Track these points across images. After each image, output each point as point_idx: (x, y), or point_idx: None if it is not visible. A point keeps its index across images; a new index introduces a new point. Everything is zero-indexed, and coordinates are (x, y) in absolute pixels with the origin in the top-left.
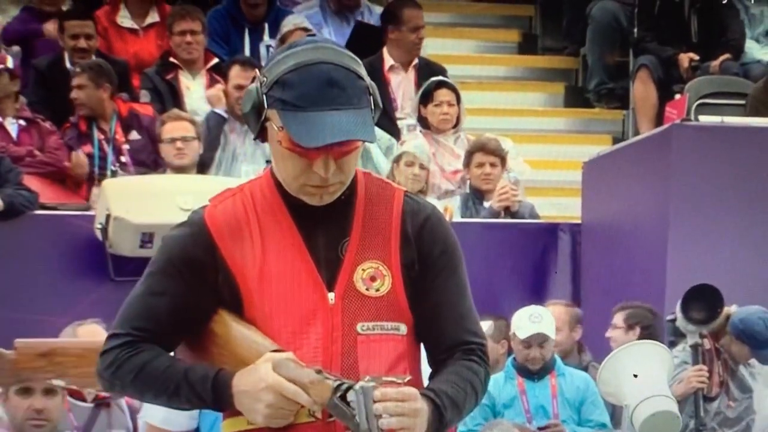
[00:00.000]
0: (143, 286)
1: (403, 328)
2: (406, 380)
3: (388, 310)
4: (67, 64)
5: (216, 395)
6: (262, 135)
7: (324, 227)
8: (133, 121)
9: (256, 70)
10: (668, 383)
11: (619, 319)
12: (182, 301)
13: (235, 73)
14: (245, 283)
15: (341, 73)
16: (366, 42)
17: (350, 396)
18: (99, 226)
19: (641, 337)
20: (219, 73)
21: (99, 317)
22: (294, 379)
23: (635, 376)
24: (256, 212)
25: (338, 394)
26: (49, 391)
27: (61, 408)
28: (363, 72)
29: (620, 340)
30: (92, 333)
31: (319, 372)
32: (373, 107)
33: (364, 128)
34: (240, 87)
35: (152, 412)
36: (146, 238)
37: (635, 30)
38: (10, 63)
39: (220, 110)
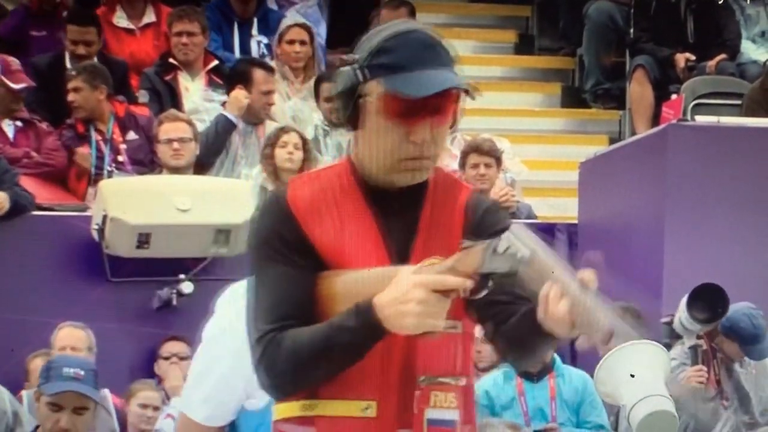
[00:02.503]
0: (260, 285)
1: (460, 326)
2: (460, 383)
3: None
4: (68, 64)
5: (364, 319)
6: (351, 121)
7: (397, 217)
8: (130, 122)
9: (345, 56)
10: (665, 383)
11: None
12: (301, 278)
13: (261, 79)
14: (326, 263)
15: (436, 39)
16: (353, 20)
17: (501, 244)
18: (95, 227)
19: None
20: (219, 74)
21: (96, 318)
22: (438, 273)
23: (632, 376)
24: (334, 196)
25: (490, 250)
26: (79, 409)
27: (90, 424)
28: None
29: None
30: (69, 336)
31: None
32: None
33: (462, 82)
34: (267, 93)
35: (193, 406)
36: (143, 239)
37: (631, 30)
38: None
39: (232, 116)
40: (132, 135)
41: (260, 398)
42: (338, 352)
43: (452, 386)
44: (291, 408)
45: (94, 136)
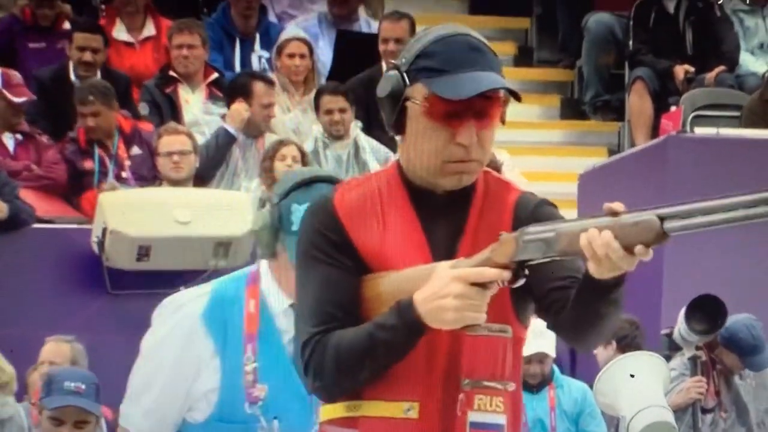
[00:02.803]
0: (306, 287)
1: (510, 331)
2: (508, 388)
3: (495, 311)
4: (72, 77)
5: (404, 316)
6: (396, 125)
7: (443, 220)
8: (135, 137)
9: (394, 61)
10: (665, 394)
11: None
12: (346, 280)
13: (262, 92)
14: (370, 266)
15: (479, 42)
16: (357, 53)
17: (530, 230)
18: (95, 240)
19: (618, 350)
20: (219, 87)
21: (96, 330)
22: (474, 266)
23: (632, 376)
24: (381, 201)
25: (524, 236)
26: (80, 423)
27: None
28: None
29: (602, 357)
30: (51, 351)
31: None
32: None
33: (507, 84)
34: (267, 105)
35: (134, 421)
36: (143, 251)
37: (630, 42)
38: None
39: (232, 129)
40: (136, 150)
41: (201, 410)
42: (381, 350)
43: (499, 391)
44: (336, 409)
45: (98, 151)
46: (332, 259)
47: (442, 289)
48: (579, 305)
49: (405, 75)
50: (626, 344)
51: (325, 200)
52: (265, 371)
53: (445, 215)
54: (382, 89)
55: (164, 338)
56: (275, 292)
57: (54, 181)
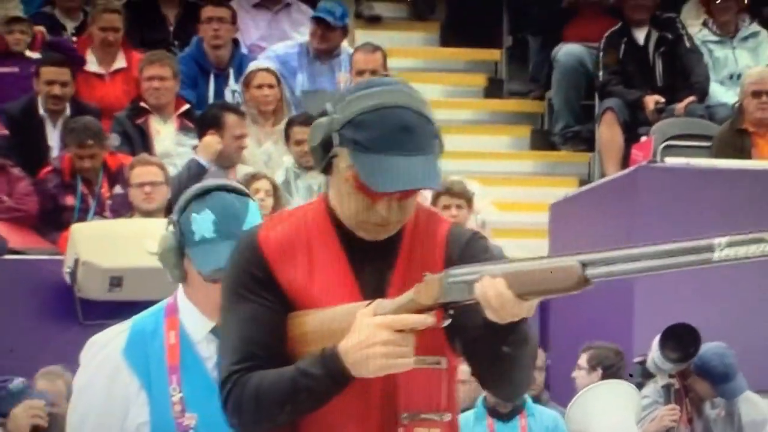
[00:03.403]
0: (229, 323)
1: (444, 362)
2: (445, 418)
3: (428, 343)
4: (40, 111)
5: (329, 367)
6: (326, 170)
7: (372, 258)
8: (119, 176)
9: (327, 105)
10: (636, 422)
11: (583, 359)
12: (270, 318)
13: (234, 123)
14: (296, 304)
15: (415, 119)
16: None
17: (455, 272)
18: (68, 270)
19: (604, 378)
20: (190, 118)
21: (69, 361)
22: (397, 309)
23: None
24: (308, 236)
25: (447, 279)
26: None
27: None
28: (432, 115)
29: (583, 381)
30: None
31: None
32: (439, 151)
33: (432, 175)
34: (239, 137)
35: None
36: (115, 282)
37: (600, 73)
38: None
39: (204, 160)
40: (118, 189)
41: None
42: (304, 396)
43: (437, 422)
44: None
45: (81, 187)
46: (257, 297)
47: (369, 339)
48: (485, 352)
49: (335, 134)
50: (612, 373)
51: (251, 237)
52: (192, 400)
53: (374, 252)
54: (313, 138)
55: (90, 378)
56: (194, 320)
57: (26, 213)
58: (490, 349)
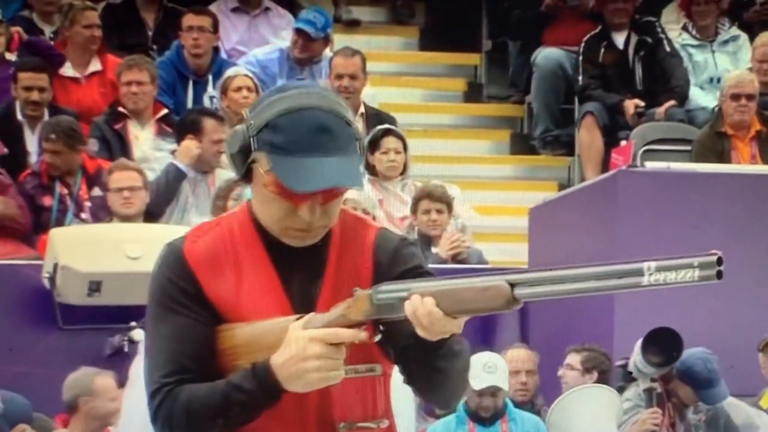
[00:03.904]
0: (158, 336)
1: (378, 369)
2: (382, 425)
3: (361, 351)
4: (18, 116)
5: (261, 382)
6: (246, 177)
7: (299, 267)
8: (97, 178)
9: (244, 111)
10: (617, 427)
11: (575, 360)
12: (199, 331)
13: (212, 128)
14: (225, 316)
15: (331, 120)
16: None
17: (384, 289)
18: (46, 275)
19: (598, 381)
20: (168, 123)
21: (48, 365)
22: (328, 324)
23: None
24: (234, 247)
25: (378, 295)
26: None
27: None
28: (351, 117)
29: (575, 382)
30: (107, 386)
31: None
32: (360, 153)
33: (352, 175)
34: (218, 142)
35: None
36: (94, 287)
37: (580, 78)
38: None
39: (182, 165)
40: (97, 191)
41: None
42: (236, 410)
43: (374, 429)
44: None
45: (59, 188)
46: (185, 310)
47: (301, 353)
48: (417, 364)
49: (252, 139)
50: (605, 378)
51: (174, 248)
52: None
53: (302, 261)
54: (231, 146)
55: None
56: None
57: (21, 226)
58: (421, 362)
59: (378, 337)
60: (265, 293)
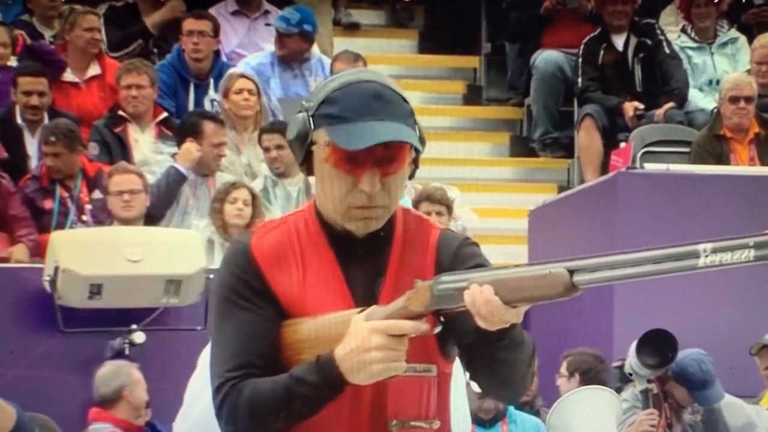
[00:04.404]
0: (223, 331)
1: (434, 370)
2: (434, 426)
3: (419, 351)
4: (18, 120)
5: (324, 374)
6: (307, 165)
7: (362, 263)
8: (97, 181)
9: (302, 102)
10: (617, 427)
11: (563, 367)
12: (265, 327)
13: (212, 131)
14: (289, 312)
15: (387, 91)
16: None
17: (445, 279)
18: (47, 278)
19: (582, 383)
20: (168, 126)
21: (49, 368)
22: (389, 316)
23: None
24: (299, 244)
25: (438, 285)
26: None
27: None
28: (404, 96)
29: (564, 388)
30: (141, 377)
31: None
32: (417, 131)
33: (407, 133)
34: (218, 145)
35: None
36: (94, 290)
37: (579, 80)
38: None
39: (183, 168)
40: (97, 194)
41: None
42: (299, 403)
43: (426, 429)
44: None
45: (59, 191)
46: (252, 305)
47: (363, 344)
48: (480, 357)
49: (311, 119)
50: (590, 378)
51: (242, 245)
52: None
53: (365, 258)
54: (290, 132)
55: None
56: None
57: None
58: (485, 355)
59: (439, 328)
60: (330, 289)
